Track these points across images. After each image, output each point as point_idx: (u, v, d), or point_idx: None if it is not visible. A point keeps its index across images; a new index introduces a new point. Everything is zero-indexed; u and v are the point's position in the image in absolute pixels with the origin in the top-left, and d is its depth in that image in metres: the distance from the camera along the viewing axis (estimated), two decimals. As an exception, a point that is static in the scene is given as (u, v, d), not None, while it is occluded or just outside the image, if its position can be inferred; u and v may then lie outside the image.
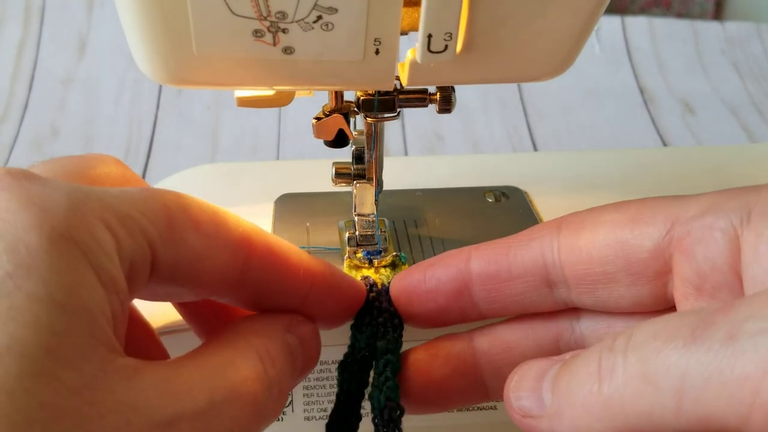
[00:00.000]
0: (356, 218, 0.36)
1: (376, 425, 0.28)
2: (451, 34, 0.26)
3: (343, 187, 0.36)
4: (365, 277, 0.32)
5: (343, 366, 0.29)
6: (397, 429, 0.28)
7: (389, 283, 0.30)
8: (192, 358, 0.22)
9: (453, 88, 0.33)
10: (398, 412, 0.28)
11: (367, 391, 0.29)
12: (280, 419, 0.35)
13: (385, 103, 0.32)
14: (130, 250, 0.21)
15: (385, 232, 0.36)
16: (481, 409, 0.36)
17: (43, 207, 0.20)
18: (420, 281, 0.29)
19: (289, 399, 0.35)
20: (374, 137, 0.34)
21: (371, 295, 0.30)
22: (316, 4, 0.24)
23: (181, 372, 0.21)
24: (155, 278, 0.23)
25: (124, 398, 0.19)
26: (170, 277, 0.23)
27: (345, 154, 0.36)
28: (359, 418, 0.29)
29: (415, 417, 0.35)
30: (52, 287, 0.19)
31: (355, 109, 0.33)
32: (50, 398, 0.18)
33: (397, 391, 0.28)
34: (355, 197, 0.35)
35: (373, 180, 0.35)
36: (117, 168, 0.26)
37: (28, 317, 0.18)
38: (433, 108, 0.33)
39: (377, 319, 0.29)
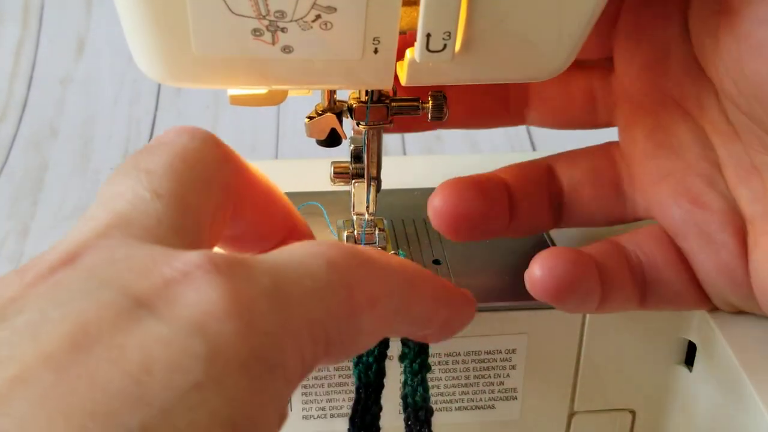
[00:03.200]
0: (355, 217, 0.36)
1: (408, 426, 0.29)
2: (449, 33, 0.26)
3: (341, 186, 0.36)
4: None
5: (359, 359, 0.30)
6: (428, 429, 0.29)
7: None
8: None
9: (445, 97, 0.33)
10: (431, 414, 0.29)
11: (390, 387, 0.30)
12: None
13: (378, 111, 0.32)
14: (309, 368, 0.21)
15: (383, 231, 0.36)
16: (479, 409, 0.36)
17: (249, 321, 0.19)
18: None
19: (288, 398, 0.35)
20: (365, 144, 0.34)
21: None
22: (315, 3, 0.24)
23: None
24: None
25: None
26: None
27: (344, 154, 0.36)
28: (380, 408, 0.30)
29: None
30: (236, 411, 0.18)
31: (348, 113, 0.33)
32: None
33: (429, 392, 0.29)
34: (354, 196, 0.35)
35: (368, 183, 0.35)
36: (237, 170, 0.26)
37: None
38: (431, 108, 0.34)
39: None
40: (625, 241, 0.32)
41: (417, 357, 0.29)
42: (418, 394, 0.29)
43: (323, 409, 0.35)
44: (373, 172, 0.34)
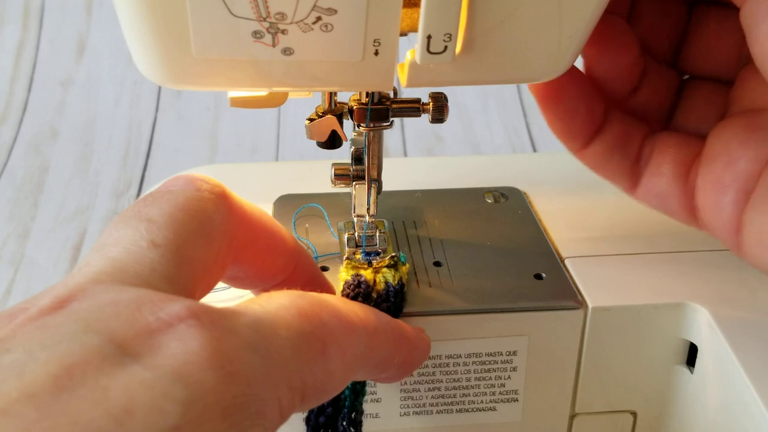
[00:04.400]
0: (355, 219, 0.36)
1: (343, 426, 0.31)
2: (450, 35, 0.26)
3: (342, 188, 0.36)
4: (356, 275, 0.33)
5: None
6: (359, 430, 0.31)
7: (397, 281, 0.33)
8: None
9: (446, 98, 0.33)
10: (361, 414, 0.31)
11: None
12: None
13: (378, 112, 0.32)
14: (286, 416, 0.22)
15: (384, 232, 0.36)
16: (480, 411, 0.36)
17: (230, 371, 0.19)
18: None
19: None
20: (366, 146, 0.34)
21: (358, 290, 0.32)
22: (315, 5, 0.24)
23: None
24: None
25: None
26: None
27: (344, 155, 0.36)
28: (339, 412, 0.30)
29: (414, 419, 0.35)
30: None
31: (349, 115, 0.33)
32: None
33: (363, 398, 0.32)
34: (355, 198, 0.35)
35: (369, 185, 0.35)
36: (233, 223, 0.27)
37: None
38: (431, 109, 0.34)
39: None
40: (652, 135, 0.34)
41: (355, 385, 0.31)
42: (359, 398, 0.31)
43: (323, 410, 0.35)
44: (374, 173, 0.34)
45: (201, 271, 0.24)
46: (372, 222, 0.36)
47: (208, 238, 0.25)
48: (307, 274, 0.31)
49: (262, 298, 0.23)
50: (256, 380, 0.20)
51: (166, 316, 0.20)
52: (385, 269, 0.34)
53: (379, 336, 0.26)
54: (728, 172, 0.31)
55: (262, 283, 0.30)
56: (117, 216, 0.25)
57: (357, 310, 0.26)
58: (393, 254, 0.35)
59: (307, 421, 0.31)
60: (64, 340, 0.19)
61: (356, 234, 0.36)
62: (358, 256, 0.35)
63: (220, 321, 0.20)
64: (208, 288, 0.25)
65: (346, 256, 0.35)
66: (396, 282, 0.33)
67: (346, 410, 0.31)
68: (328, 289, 0.32)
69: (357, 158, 0.34)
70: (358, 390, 0.31)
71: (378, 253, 0.35)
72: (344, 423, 0.31)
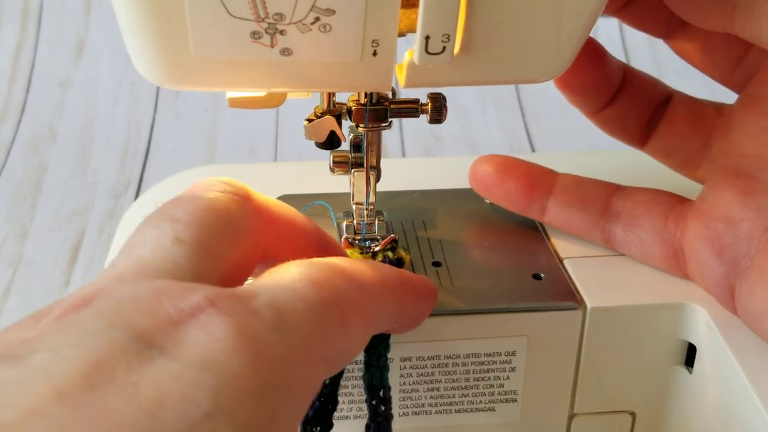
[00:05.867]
0: (354, 207, 0.36)
1: (372, 405, 0.30)
2: (448, 35, 0.26)
3: (340, 174, 0.36)
4: None
5: None
6: (389, 406, 0.31)
7: (395, 258, 0.33)
8: None
9: (444, 99, 0.33)
10: (389, 390, 0.31)
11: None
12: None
13: (377, 113, 0.32)
14: (316, 387, 0.22)
15: (383, 221, 0.36)
16: (479, 411, 0.36)
17: (258, 353, 0.19)
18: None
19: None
20: (364, 143, 0.34)
21: None
22: (314, 6, 0.24)
23: None
24: None
25: None
26: None
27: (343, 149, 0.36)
28: (336, 403, 0.31)
29: (413, 419, 0.35)
30: None
31: (347, 115, 0.33)
32: None
33: (388, 373, 0.31)
34: (353, 185, 0.35)
35: (367, 173, 0.35)
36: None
37: None
38: (429, 110, 0.34)
39: None
40: (623, 188, 0.37)
41: (380, 343, 0.31)
42: (383, 372, 0.31)
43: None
44: (373, 161, 0.34)
45: (226, 268, 0.24)
46: (371, 210, 0.36)
47: (234, 237, 0.25)
48: None
49: (273, 274, 0.23)
50: (283, 358, 0.20)
51: (187, 307, 0.20)
52: (381, 254, 0.34)
53: (388, 289, 0.26)
54: (729, 234, 0.32)
55: None
56: (144, 219, 0.25)
57: (362, 268, 0.26)
58: (392, 235, 0.35)
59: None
60: (89, 336, 0.19)
61: (355, 222, 0.36)
62: (356, 243, 0.35)
63: (239, 305, 0.21)
64: (237, 285, 0.25)
65: (345, 236, 0.35)
66: (394, 256, 0.34)
67: (375, 383, 0.31)
68: None
69: (356, 146, 0.34)
70: (382, 365, 0.31)
71: (377, 240, 0.35)
72: (374, 402, 0.31)
